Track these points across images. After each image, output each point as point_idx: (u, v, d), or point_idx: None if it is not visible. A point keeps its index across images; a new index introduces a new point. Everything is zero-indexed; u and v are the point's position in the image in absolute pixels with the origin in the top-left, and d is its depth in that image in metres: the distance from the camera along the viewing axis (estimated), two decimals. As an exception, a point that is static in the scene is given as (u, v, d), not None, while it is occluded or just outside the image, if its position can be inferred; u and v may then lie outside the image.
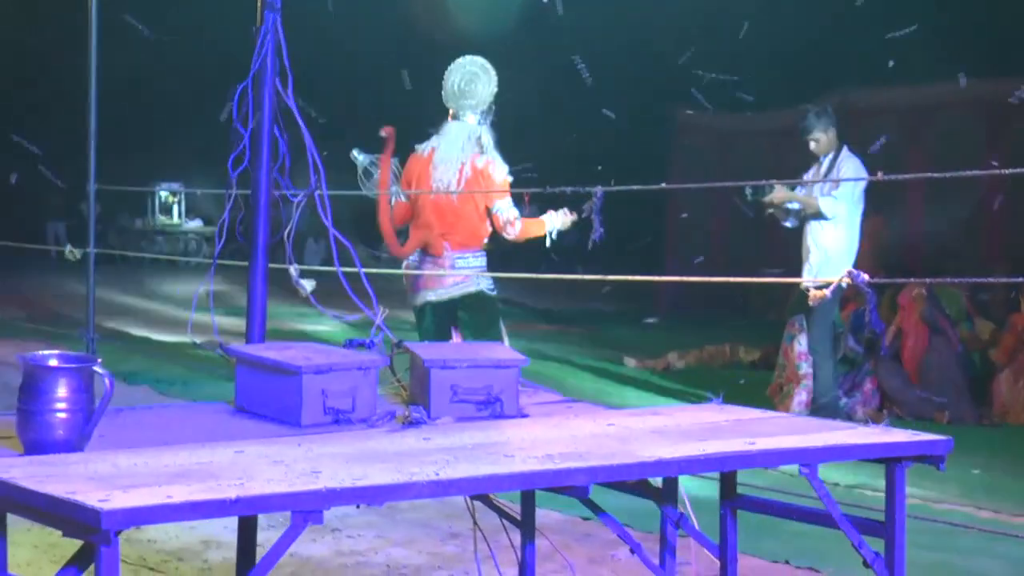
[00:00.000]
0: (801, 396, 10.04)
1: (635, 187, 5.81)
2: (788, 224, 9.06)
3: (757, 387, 10.54)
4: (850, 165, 8.85)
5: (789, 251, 14.42)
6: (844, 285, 7.95)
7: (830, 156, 8.96)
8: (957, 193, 13.55)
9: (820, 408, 8.98)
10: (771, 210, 9.08)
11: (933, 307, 10.15)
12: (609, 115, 9.75)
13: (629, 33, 19.96)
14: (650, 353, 13.17)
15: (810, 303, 8.87)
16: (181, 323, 15.52)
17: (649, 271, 13.05)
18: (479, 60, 7.56)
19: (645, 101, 17.73)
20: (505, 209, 7.43)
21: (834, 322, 9.05)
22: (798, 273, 10.68)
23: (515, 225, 7.45)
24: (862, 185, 8.81)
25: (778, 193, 8.90)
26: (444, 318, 7.43)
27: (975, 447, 8.53)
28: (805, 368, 10.06)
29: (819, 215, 8.82)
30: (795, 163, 16.20)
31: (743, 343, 13.31)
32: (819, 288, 7.83)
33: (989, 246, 14.15)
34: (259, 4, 4.40)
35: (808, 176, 9.04)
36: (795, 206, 8.98)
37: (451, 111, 7.53)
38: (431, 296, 7.45)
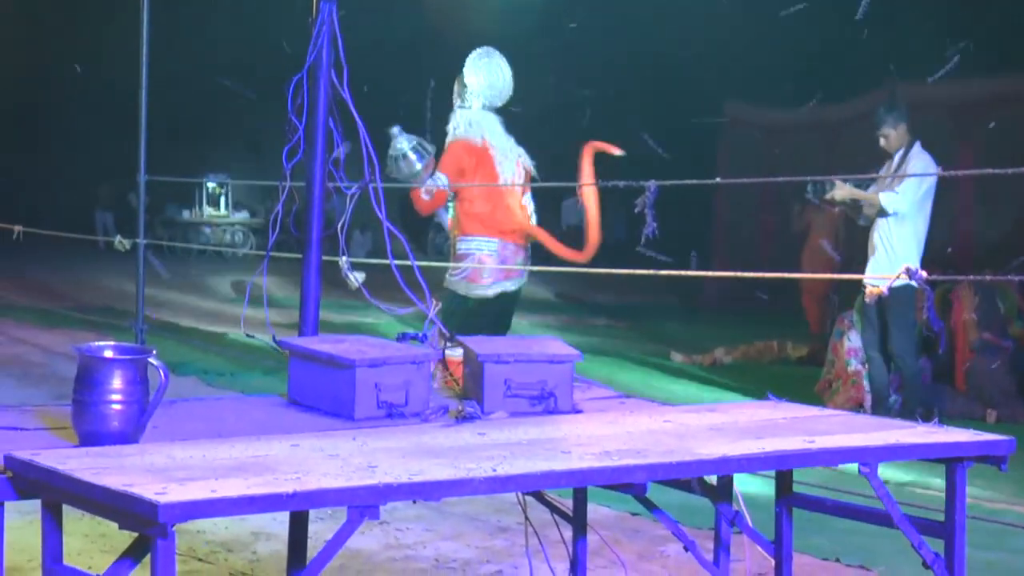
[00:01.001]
0: (850, 392, 9.95)
1: (690, 181, 5.76)
2: (861, 222, 8.90)
3: (806, 384, 10.47)
4: (919, 161, 8.67)
5: (844, 246, 14.38)
6: (916, 284, 7.84)
7: (900, 152, 8.79)
8: (1008, 189, 13.39)
9: (904, 410, 8.90)
10: (840, 207, 8.95)
11: (986, 304, 10.02)
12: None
13: (672, 26, 19.88)
14: (697, 348, 13.11)
15: (866, 300, 8.76)
16: (228, 314, 15.58)
17: (699, 266, 12.98)
18: (498, 53, 7.68)
19: (692, 96, 17.67)
20: (530, 203, 7.78)
21: (914, 321, 8.91)
22: (851, 267, 10.61)
23: (533, 219, 7.77)
24: (930, 182, 8.64)
25: (839, 190, 8.74)
26: (509, 308, 7.60)
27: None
28: (855, 365, 9.97)
29: (882, 212, 8.66)
30: (845, 158, 16.19)
31: (791, 339, 13.22)
32: (875, 285, 7.73)
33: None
34: (314, -5, 4.38)
35: (882, 172, 8.89)
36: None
37: (476, 102, 7.59)
38: (509, 286, 7.58)
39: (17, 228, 10.70)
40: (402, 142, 7.50)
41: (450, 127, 7.75)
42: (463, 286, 7.60)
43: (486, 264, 7.55)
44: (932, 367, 9.99)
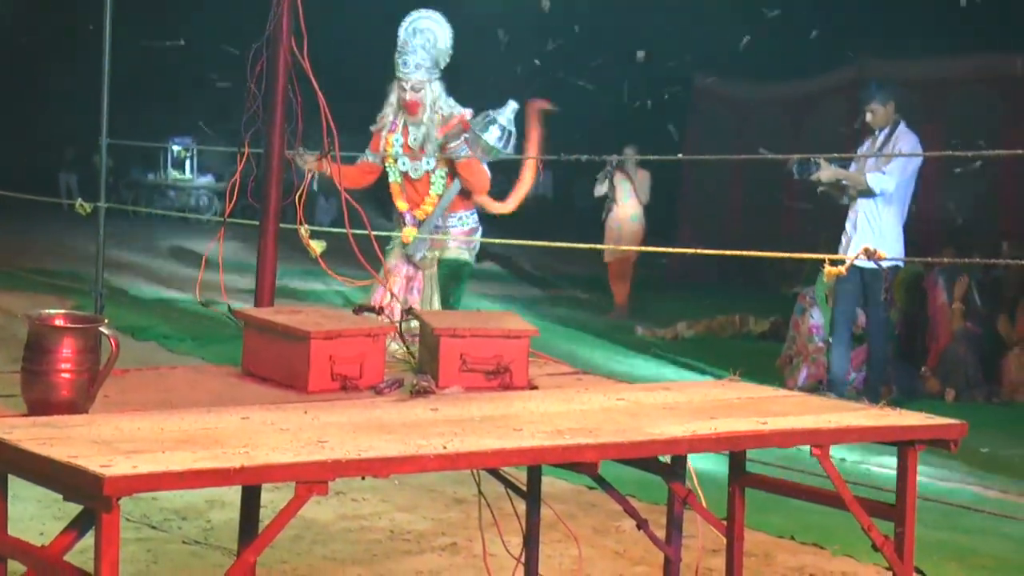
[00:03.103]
0: (811, 369, 9.99)
1: (651, 157, 5.74)
2: (844, 201, 8.85)
3: (767, 359, 10.51)
4: (907, 141, 8.64)
5: (805, 223, 14.42)
6: (876, 265, 7.83)
7: (885, 131, 8.75)
8: (971, 169, 13.44)
9: (866, 387, 8.93)
10: (822, 188, 8.87)
11: (968, 292, 10.04)
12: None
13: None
14: (660, 322, 13.13)
15: (825, 280, 8.76)
16: (191, 279, 15.45)
17: (663, 241, 12.99)
18: (427, 13, 7.32)
19: (659, 68, 17.63)
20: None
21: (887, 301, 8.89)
22: (814, 244, 10.62)
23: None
24: (916, 163, 8.63)
25: (824, 171, 8.66)
26: None
27: (983, 426, 8.48)
28: (816, 342, 10.01)
29: (867, 192, 8.61)
30: (813, 134, 16.23)
31: (753, 314, 13.26)
32: (834, 264, 7.71)
33: (1004, 222, 14.06)
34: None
35: (863, 150, 8.86)
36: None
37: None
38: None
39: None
40: (510, 121, 7.14)
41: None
42: (469, 252, 7.48)
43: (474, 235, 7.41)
44: (895, 346, 10.05)
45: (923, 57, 15.00)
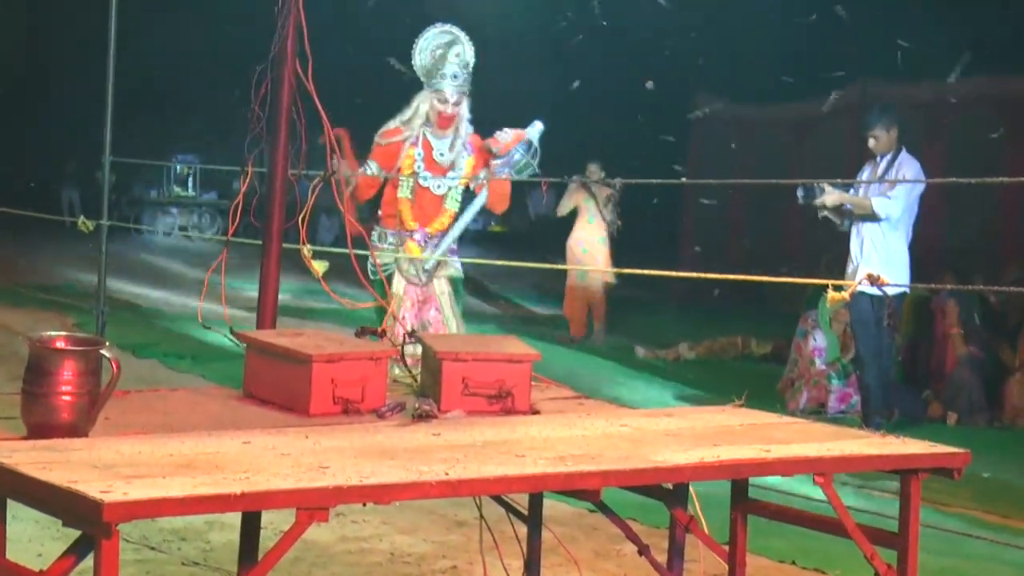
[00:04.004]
0: (812, 393, 9.97)
1: (655, 180, 5.75)
2: (844, 227, 8.80)
3: (768, 381, 10.48)
4: (910, 167, 8.62)
5: (807, 244, 14.40)
6: (878, 291, 7.80)
7: (888, 156, 8.72)
8: (974, 192, 13.42)
9: (865, 410, 8.89)
10: (823, 213, 8.81)
11: (965, 315, 10.01)
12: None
13: (643, 18, 19.86)
14: (661, 343, 13.10)
15: (828, 305, 8.74)
16: (193, 297, 15.49)
17: (665, 261, 12.96)
18: (446, 28, 7.29)
19: (661, 88, 17.68)
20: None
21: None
22: (815, 266, 10.60)
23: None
24: (919, 188, 8.61)
25: (830, 196, 8.62)
26: None
27: (985, 451, 8.45)
28: (819, 365, 9.99)
29: (872, 217, 8.58)
30: (816, 156, 16.22)
31: (755, 336, 13.23)
32: (837, 290, 7.70)
33: (1006, 247, 14.04)
34: (280, -16, 4.34)
35: (865, 175, 8.83)
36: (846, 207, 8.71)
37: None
38: None
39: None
40: (537, 139, 7.12)
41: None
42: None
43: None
44: (898, 370, 10.02)
45: (924, 79, 15.00)
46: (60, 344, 3.19)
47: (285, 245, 4.56)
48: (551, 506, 5.49)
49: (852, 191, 8.83)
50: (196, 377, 9.73)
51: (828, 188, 8.62)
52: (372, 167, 7.18)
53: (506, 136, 7.09)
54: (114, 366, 3.14)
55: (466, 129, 7.18)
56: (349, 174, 6.97)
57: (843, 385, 9.94)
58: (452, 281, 7.24)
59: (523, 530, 4.32)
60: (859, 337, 8.88)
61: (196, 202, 29.52)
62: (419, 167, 7.06)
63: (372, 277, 6.89)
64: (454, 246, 7.24)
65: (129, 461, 2.82)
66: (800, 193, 8.65)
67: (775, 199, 15.63)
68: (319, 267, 5.13)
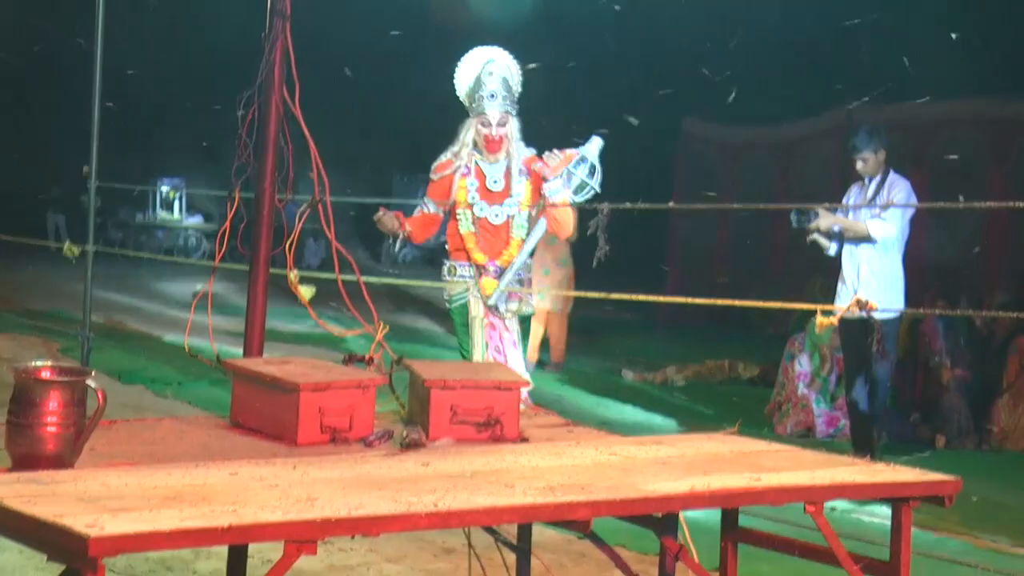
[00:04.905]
0: (799, 416, 9.96)
1: (643, 205, 5.74)
2: (831, 252, 8.76)
3: (756, 405, 10.47)
4: (901, 187, 8.62)
5: (794, 266, 14.40)
6: (865, 316, 7.77)
7: (876, 178, 8.70)
8: (957, 214, 13.44)
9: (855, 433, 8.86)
10: (813, 237, 8.77)
11: (951, 341, 10.01)
12: (632, 121, 9.46)
13: (633, 40, 19.92)
14: (649, 366, 13.09)
15: (817, 331, 8.72)
16: (179, 322, 15.43)
17: (652, 284, 12.95)
18: (486, 49, 6.86)
19: (649, 110, 17.72)
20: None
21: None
22: (802, 289, 10.58)
23: None
24: (911, 209, 8.60)
25: (824, 219, 8.59)
26: None
27: (974, 473, 8.44)
28: (803, 389, 9.99)
29: (867, 239, 8.55)
30: (804, 177, 16.26)
31: (743, 359, 13.22)
32: (826, 315, 7.69)
33: (992, 268, 14.06)
34: (268, 10, 4.33)
35: (855, 196, 8.81)
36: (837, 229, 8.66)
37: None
38: None
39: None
40: (597, 157, 6.71)
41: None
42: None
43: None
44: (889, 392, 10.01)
45: (910, 100, 15.04)
46: (46, 374, 3.16)
47: (272, 271, 4.54)
48: (540, 532, 5.46)
49: (840, 213, 8.81)
50: (182, 404, 9.69)
51: (822, 212, 8.60)
52: (430, 206, 6.78)
53: (554, 158, 6.71)
54: (100, 397, 3.12)
55: (519, 151, 6.73)
56: (403, 234, 6.72)
57: (831, 408, 9.94)
58: (519, 315, 6.79)
59: (511, 558, 4.29)
60: (849, 362, 8.87)
61: (182, 225, 29.48)
62: (473, 197, 6.66)
63: (449, 306, 6.77)
64: (524, 275, 6.77)
65: (115, 493, 2.80)
66: (794, 217, 8.61)
67: (761, 223, 15.64)
68: (306, 292, 5.09)
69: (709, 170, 18.03)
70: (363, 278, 4.73)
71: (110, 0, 8.52)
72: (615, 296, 6.09)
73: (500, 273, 6.65)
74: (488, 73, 6.68)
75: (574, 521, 3.05)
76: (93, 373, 3.21)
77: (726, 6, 16.47)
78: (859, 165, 8.68)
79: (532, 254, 6.82)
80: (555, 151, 6.72)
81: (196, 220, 29.55)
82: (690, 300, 5.10)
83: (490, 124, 6.64)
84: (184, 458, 3.27)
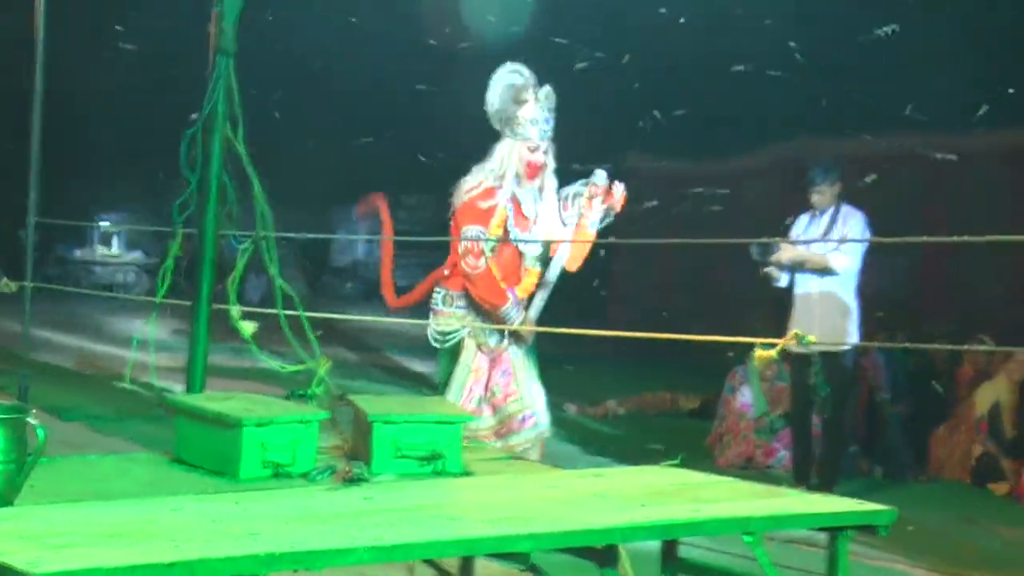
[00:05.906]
0: (740, 448, 10.05)
1: (581, 240, 5.79)
2: (782, 283, 8.84)
3: (697, 437, 10.54)
4: (856, 219, 8.74)
5: (727, 301, 14.50)
6: (804, 351, 7.84)
7: (829, 210, 8.81)
8: (895, 247, 13.61)
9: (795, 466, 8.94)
10: (767, 269, 8.84)
11: (891, 374, 10.14)
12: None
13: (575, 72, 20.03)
14: (590, 399, 13.13)
15: (755, 364, 8.79)
16: (118, 358, 15.32)
17: (592, 317, 13.02)
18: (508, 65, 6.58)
19: (587, 144, 17.84)
20: None
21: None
22: (740, 323, 10.67)
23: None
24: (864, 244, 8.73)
25: (786, 252, 8.70)
26: None
27: (911, 503, 8.54)
28: (748, 419, 10.08)
29: (828, 271, 8.64)
30: (742, 212, 16.39)
31: (684, 391, 13.30)
32: (765, 348, 7.79)
33: (934, 300, 14.24)
34: (211, 48, 4.36)
35: (805, 226, 8.90)
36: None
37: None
38: None
39: None
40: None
41: None
42: None
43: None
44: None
45: (857, 135, 15.21)
46: (-15, 412, 3.16)
47: (215, 306, 4.55)
48: (483, 565, 5.47)
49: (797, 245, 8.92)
50: (122, 440, 9.62)
51: (784, 246, 8.72)
52: (473, 231, 6.35)
53: (584, 190, 6.56)
54: (40, 434, 3.12)
55: (551, 180, 6.53)
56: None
57: (770, 440, 10.03)
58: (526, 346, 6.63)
59: (455, 591, 4.31)
60: (795, 395, 8.97)
61: (121, 261, 29.26)
62: (510, 224, 6.38)
63: (438, 347, 6.47)
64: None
65: (57, 531, 2.79)
66: (755, 250, 8.72)
67: (703, 254, 15.74)
68: (248, 327, 5.10)
69: (650, 205, 18.14)
70: (325, 314, 4.75)
71: (51, 32, 8.51)
72: (559, 331, 6.12)
73: (517, 304, 6.45)
74: (545, 96, 6.41)
75: (516, 554, 3.08)
76: (33, 410, 3.21)
77: (674, 41, 16.60)
78: (815, 198, 8.82)
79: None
80: (580, 183, 6.61)
81: (136, 255, 29.35)
82: (628, 334, 5.15)
83: (536, 149, 6.39)
84: (126, 494, 3.27)
